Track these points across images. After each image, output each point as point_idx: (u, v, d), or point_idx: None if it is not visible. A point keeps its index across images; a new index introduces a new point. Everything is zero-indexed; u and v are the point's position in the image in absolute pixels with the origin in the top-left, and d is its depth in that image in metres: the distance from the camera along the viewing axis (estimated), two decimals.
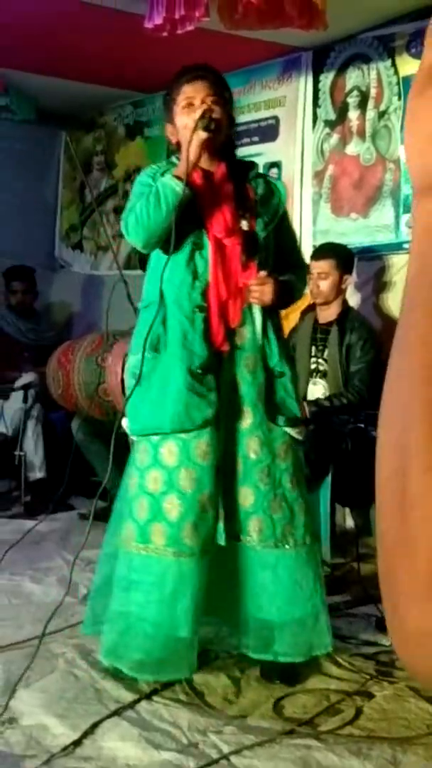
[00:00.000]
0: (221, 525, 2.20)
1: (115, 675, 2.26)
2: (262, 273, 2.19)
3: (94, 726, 2.00)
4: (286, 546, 2.22)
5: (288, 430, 2.23)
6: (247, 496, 2.22)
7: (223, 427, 2.19)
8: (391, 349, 0.47)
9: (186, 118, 2.17)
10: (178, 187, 2.10)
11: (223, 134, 2.21)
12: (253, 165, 2.41)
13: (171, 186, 2.11)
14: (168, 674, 2.19)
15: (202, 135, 2.11)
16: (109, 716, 2.05)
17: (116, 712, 2.07)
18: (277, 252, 2.31)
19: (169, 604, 2.12)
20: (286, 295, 2.27)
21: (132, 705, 2.11)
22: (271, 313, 2.26)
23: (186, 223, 2.15)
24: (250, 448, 2.21)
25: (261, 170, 4.27)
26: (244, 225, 2.20)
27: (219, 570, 2.24)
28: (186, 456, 2.15)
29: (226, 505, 2.21)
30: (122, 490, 2.31)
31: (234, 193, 2.23)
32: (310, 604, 2.23)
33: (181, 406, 2.12)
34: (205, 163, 2.22)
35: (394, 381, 0.46)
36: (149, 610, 2.14)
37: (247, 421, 2.19)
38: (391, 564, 0.45)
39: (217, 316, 2.17)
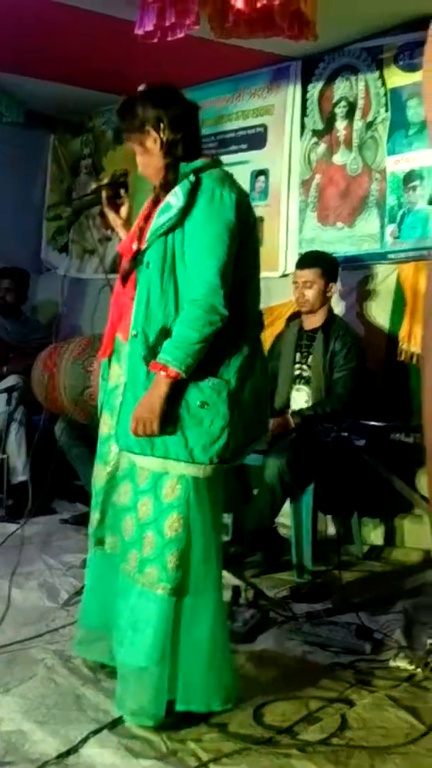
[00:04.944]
0: (105, 532, 2.25)
1: (95, 682, 2.27)
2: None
3: (75, 734, 2.00)
4: (129, 577, 2.08)
5: (129, 456, 2.10)
6: (121, 495, 2.16)
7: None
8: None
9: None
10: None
11: (148, 170, 2.16)
12: (178, 172, 2.09)
13: None
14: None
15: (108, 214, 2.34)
16: (97, 729, 2.04)
17: (96, 720, 2.07)
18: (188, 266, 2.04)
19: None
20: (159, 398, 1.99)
21: (119, 720, 2.09)
22: (135, 335, 2.06)
23: None
24: (124, 461, 2.17)
25: (248, 177, 4.37)
26: (135, 245, 2.15)
27: (113, 582, 2.20)
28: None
29: (118, 513, 2.18)
30: None
31: (147, 213, 2.17)
32: (145, 657, 2.02)
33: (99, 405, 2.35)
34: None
35: None
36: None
37: None
38: None
39: (107, 329, 2.26)
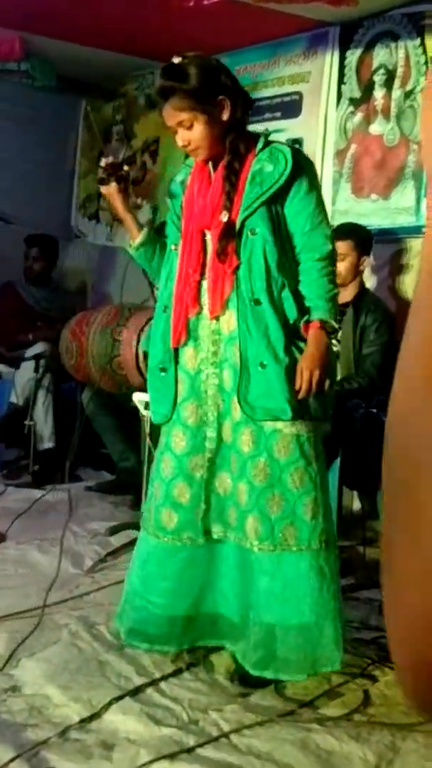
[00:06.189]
0: (211, 521, 2.16)
1: (118, 649, 2.28)
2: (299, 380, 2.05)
3: (98, 700, 2.02)
4: (285, 549, 2.08)
5: (275, 424, 2.06)
6: (242, 493, 2.11)
7: (217, 420, 2.14)
8: (402, 342, 0.45)
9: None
10: (131, 249, 2.34)
11: (207, 144, 2.09)
12: (258, 138, 2.14)
13: (131, 252, 2.35)
14: (157, 645, 2.24)
15: (103, 190, 2.34)
16: (119, 696, 2.06)
17: (119, 687, 2.09)
18: (294, 230, 2.10)
19: (160, 583, 2.21)
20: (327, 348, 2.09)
21: (141, 687, 2.11)
22: (258, 302, 2.06)
23: (176, 225, 2.22)
24: (243, 441, 2.09)
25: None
26: (224, 216, 2.08)
27: (212, 568, 2.19)
28: (167, 445, 2.22)
29: (221, 501, 2.16)
30: None
31: (226, 182, 2.10)
32: (310, 612, 2.07)
33: (151, 400, 2.26)
34: (204, 160, 2.16)
35: (403, 378, 0.45)
36: (142, 585, 2.23)
37: (237, 413, 2.10)
38: (395, 555, 0.43)
39: (176, 312, 2.15)
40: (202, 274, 2.13)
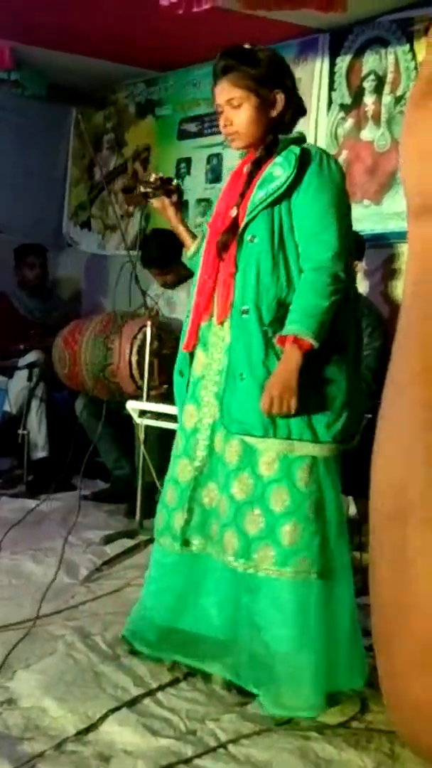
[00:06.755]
0: (191, 531, 2.14)
1: (114, 659, 2.27)
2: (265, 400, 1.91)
3: (94, 711, 2.00)
4: (260, 571, 1.99)
5: (248, 439, 1.99)
6: (223, 506, 2.06)
7: (210, 428, 2.11)
8: (386, 378, 0.43)
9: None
10: (187, 259, 2.37)
11: (248, 131, 2.05)
12: (280, 141, 2.06)
13: (187, 262, 2.39)
14: (147, 649, 2.25)
15: (155, 204, 2.31)
16: (116, 707, 2.04)
17: (115, 698, 2.07)
18: (300, 234, 1.99)
19: (158, 593, 2.23)
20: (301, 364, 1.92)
21: (138, 698, 2.09)
22: (246, 311, 1.98)
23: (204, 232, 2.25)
24: (230, 453, 2.04)
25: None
26: (233, 212, 2.05)
27: (194, 583, 2.18)
28: (174, 446, 2.24)
29: (205, 513, 2.14)
30: None
31: (246, 181, 2.08)
32: (286, 643, 1.98)
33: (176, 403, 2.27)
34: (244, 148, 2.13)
35: (392, 417, 0.43)
36: (145, 587, 2.28)
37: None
38: (387, 624, 0.41)
39: (191, 318, 2.15)
40: (217, 281, 2.11)
